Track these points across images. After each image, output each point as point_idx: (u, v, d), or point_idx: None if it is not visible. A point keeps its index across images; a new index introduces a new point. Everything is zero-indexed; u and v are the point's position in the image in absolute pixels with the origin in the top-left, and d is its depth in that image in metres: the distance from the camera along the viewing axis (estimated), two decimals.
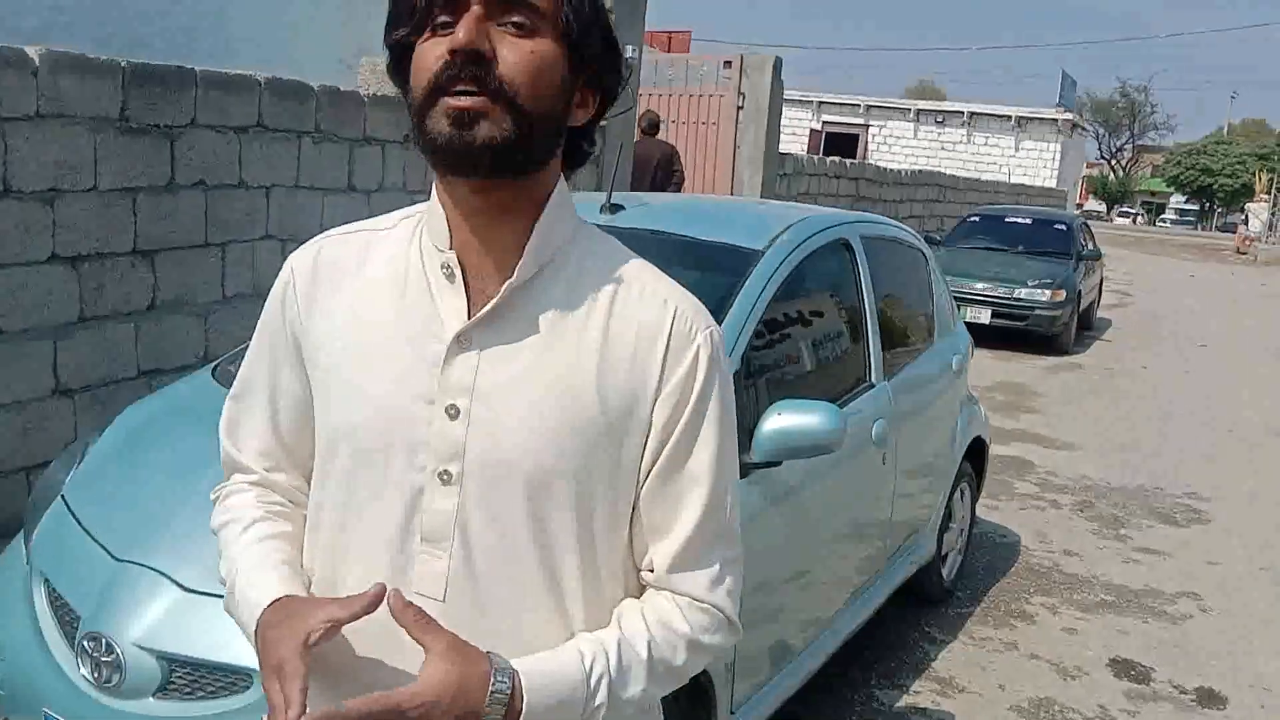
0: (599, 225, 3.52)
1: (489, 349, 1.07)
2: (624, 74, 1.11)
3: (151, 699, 2.14)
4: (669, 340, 1.10)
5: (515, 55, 1.00)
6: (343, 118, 5.12)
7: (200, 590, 2.19)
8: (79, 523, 2.51)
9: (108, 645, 2.17)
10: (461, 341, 1.07)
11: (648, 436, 1.11)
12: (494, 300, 1.07)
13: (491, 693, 0.98)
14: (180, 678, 2.15)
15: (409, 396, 1.08)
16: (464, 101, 0.99)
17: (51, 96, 3.68)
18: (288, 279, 1.19)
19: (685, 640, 1.12)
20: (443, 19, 1.01)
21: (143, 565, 2.28)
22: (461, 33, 0.99)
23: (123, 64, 3.96)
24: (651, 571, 1.15)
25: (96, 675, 2.18)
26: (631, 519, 1.14)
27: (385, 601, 1.00)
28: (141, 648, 2.15)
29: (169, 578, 2.23)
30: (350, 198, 5.27)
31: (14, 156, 3.59)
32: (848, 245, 3.65)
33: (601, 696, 1.05)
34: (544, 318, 1.09)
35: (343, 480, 1.12)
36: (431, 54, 1.01)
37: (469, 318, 1.07)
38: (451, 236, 1.09)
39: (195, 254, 4.44)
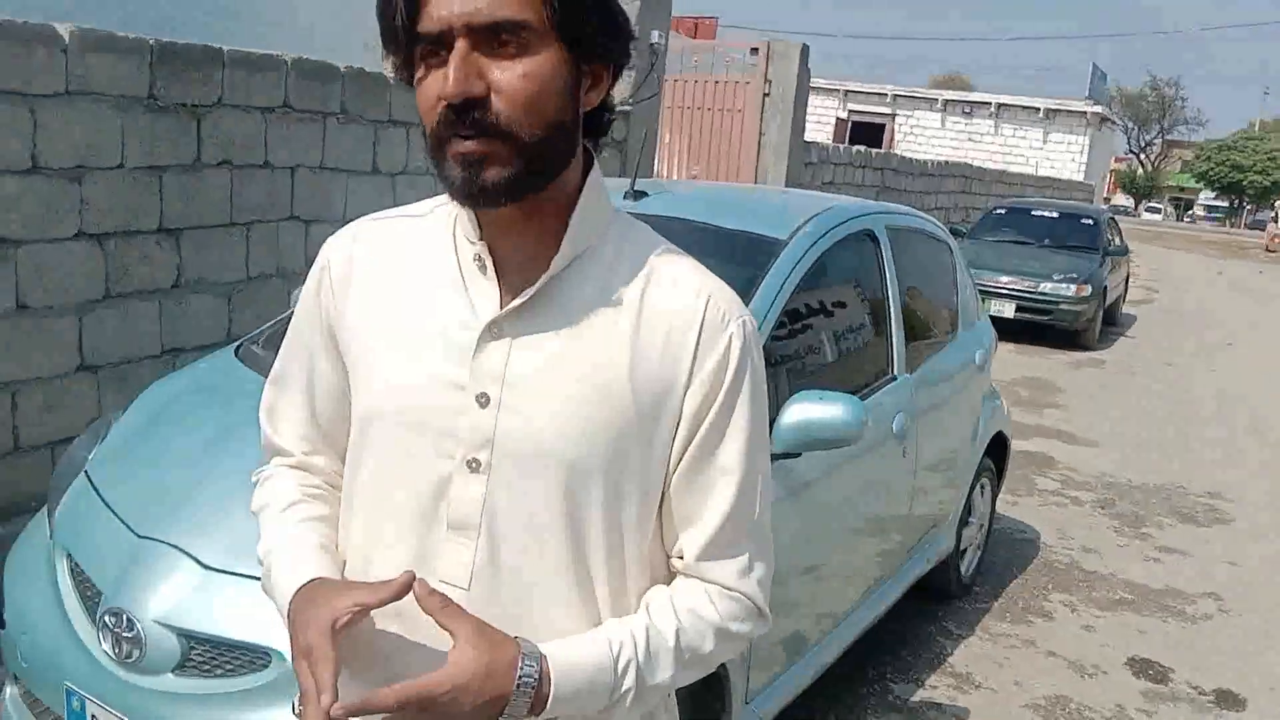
0: (625, 212, 3.51)
1: (521, 338, 1.07)
2: (630, 36, 1.08)
3: (171, 675, 2.16)
4: (701, 329, 1.10)
5: (510, 85, 0.98)
6: (368, 99, 5.12)
7: (220, 568, 2.20)
8: (102, 499, 2.52)
9: (128, 621, 2.18)
10: (493, 330, 1.07)
11: (678, 425, 1.11)
12: (529, 292, 1.06)
13: (520, 677, 0.98)
14: (199, 655, 2.16)
15: (440, 384, 1.08)
16: (467, 146, 0.99)
17: (80, 74, 3.70)
18: (323, 265, 1.20)
19: (714, 628, 1.12)
20: (431, 49, 1.00)
21: (164, 542, 2.29)
22: (451, 81, 0.97)
23: (151, 42, 3.97)
24: (681, 559, 1.15)
25: (117, 650, 2.19)
26: (661, 508, 1.14)
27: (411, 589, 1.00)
28: (161, 624, 2.16)
29: (190, 555, 2.24)
30: (374, 180, 5.27)
31: (42, 134, 3.61)
32: (872, 236, 3.62)
33: (629, 682, 1.05)
34: (576, 307, 1.08)
35: (374, 466, 1.13)
36: (429, 94, 1.00)
37: (501, 307, 1.07)
38: (481, 229, 1.09)
39: (220, 233, 4.46)
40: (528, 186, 1.02)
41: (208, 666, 2.16)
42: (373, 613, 1.03)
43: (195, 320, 4.38)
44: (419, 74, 1.02)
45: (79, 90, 3.71)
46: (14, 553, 2.67)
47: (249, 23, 7.23)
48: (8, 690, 2.56)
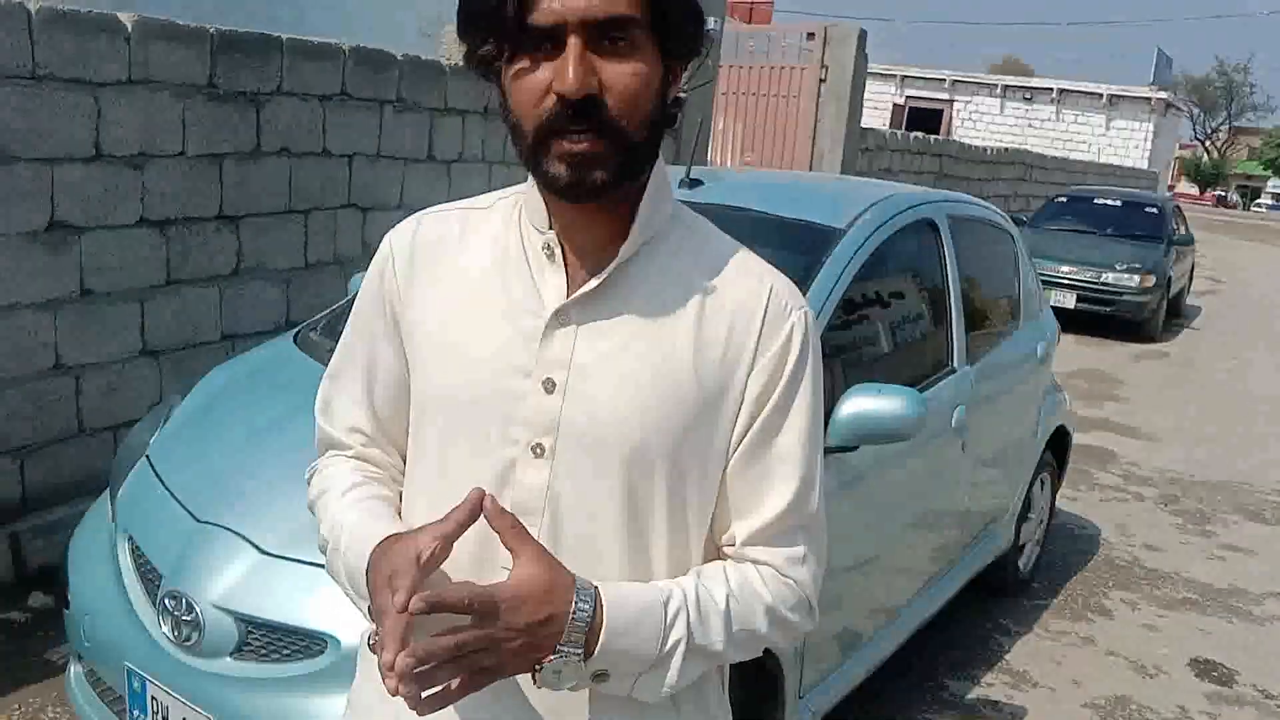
0: (678, 201, 3.48)
1: (587, 325, 1.08)
2: (708, 38, 1.10)
3: (229, 659, 2.18)
4: (765, 317, 1.11)
5: (621, 84, 0.99)
6: (424, 87, 5.14)
7: (278, 554, 2.22)
8: (162, 483, 2.56)
9: (187, 604, 2.21)
10: (560, 318, 1.08)
11: (739, 412, 1.11)
12: (598, 279, 1.08)
13: (576, 602, 0.98)
14: (256, 639, 2.18)
15: (506, 369, 1.09)
16: (579, 145, 1.00)
17: (141, 62, 3.74)
18: (387, 255, 1.20)
19: (765, 606, 1.11)
20: (539, 43, 0.99)
21: (223, 527, 2.32)
22: (571, 78, 0.97)
23: (211, 31, 4.01)
24: (733, 545, 1.14)
25: (176, 633, 2.22)
26: (719, 496, 1.14)
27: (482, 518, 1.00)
28: (220, 608, 2.18)
29: (248, 540, 2.26)
30: (430, 167, 5.29)
31: (105, 121, 3.66)
32: (933, 225, 3.55)
33: (680, 631, 1.04)
34: (641, 296, 1.10)
35: (438, 452, 1.13)
36: (534, 88, 0.99)
37: (568, 295, 1.08)
38: (551, 218, 1.10)
39: (278, 221, 4.50)
40: (625, 183, 1.04)
41: (265, 651, 2.18)
42: (447, 569, 1.02)
43: (254, 306, 4.43)
44: (521, 65, 1.01)
45: (141, 79, 3.75)
46: (78, 535, 2.72)
47: (306, 9, 7.29)
48: (72, 669, 2.61)
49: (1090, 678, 3.82)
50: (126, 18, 3.70)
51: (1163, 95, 31.01)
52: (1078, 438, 6.83)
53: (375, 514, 1.14)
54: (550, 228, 1.10)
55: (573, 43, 0.97)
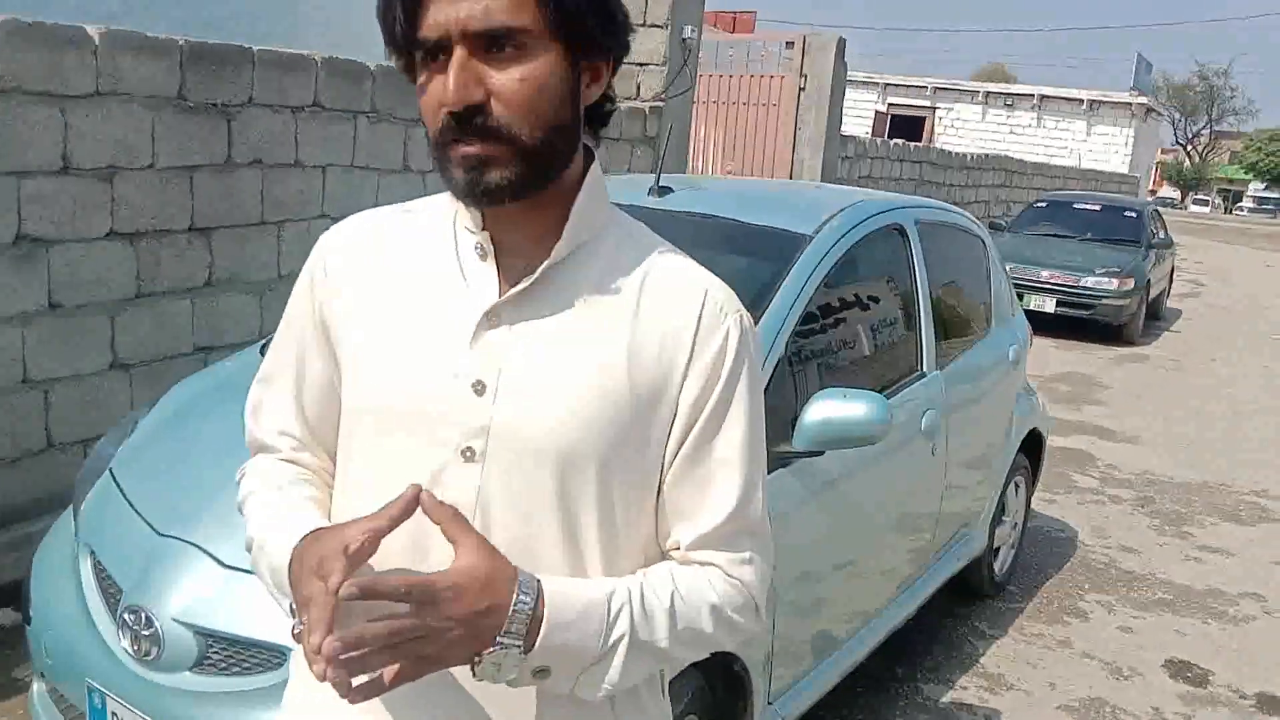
0: (647, 208, 3.46)
1: (518, 325, 1.08)
2: (628, 29, 1.08)
3: (188, 673, 2.16)
4: (699, 321, 1.11)
5: (509, 91, 0.99)
6: (398, 98, 5.13)
7: (239, 567, 2.20)
8: (124, 496, 2.54)
9: (147, 619, 2.19)
10: (491, 318, 1.08)
11: (675, 417, 1.11)
12: (529, 279, 1.07)
13: (518, 594, 0.98)
14: (216, 653, 2.16)
15: (436, 372, 1.08)
16: (471, 149, 1.01)
17: (110, 75, 3.73)
18: (317, 259, 1.20)
19: (710, 606, 1.10)
20: (434, 56, 1.00)
21: (183, 540, 2.30)
22: (451, 88, 0.98)
23: (181, 43, 4.00)
24: (678, 550, 1.14)
25: (136, 648, 2.20)
26: (657, 503, 1.14)
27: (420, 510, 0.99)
28: (179, 622, 2.17)
29: (208, 553, 2.25)
30: (405, 178, 5.29)
31: (73, 134, 3.65)
32: (902, 230, 3.57)
33: (622, 628, 1.03)
34: (576, 297, 1.09)
35: (368, 457, 1.12)
36: (432, 100, 1.01)
37: (500, 296, 1.08)
38: (484, 219, 1.10)
39: (252, 232, 4.49)
40: (531, 186, 1.04)
41: (225, 665, 2.16)
42: (377, 563, 1.01)
43: (227, 318, 4.41)
44: (421, 78, 1.03)
45: (110, 91, 3.74)
46: (42, 549, 2.69)
47: (287, 21, 7.30)
48: (35, 687, 2.59)
49: (1065, 680, 3.82)
50: (94, 30, 3.69)
51: (1143, 100, 31.26)
52: (1056, 441, 6.87)
53: (301, 512, 1.13)
54: (483, 229, 1.09)
55: (456, 54, 0.98)
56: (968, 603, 4.33)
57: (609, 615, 1.03)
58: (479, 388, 1.06)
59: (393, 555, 1.03)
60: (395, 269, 1.14)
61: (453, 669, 1.01)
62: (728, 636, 1.14)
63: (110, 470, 2.68)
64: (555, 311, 1.08)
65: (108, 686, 2.23)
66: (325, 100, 4.72)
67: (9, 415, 3.61)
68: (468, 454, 1.06)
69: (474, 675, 0.99)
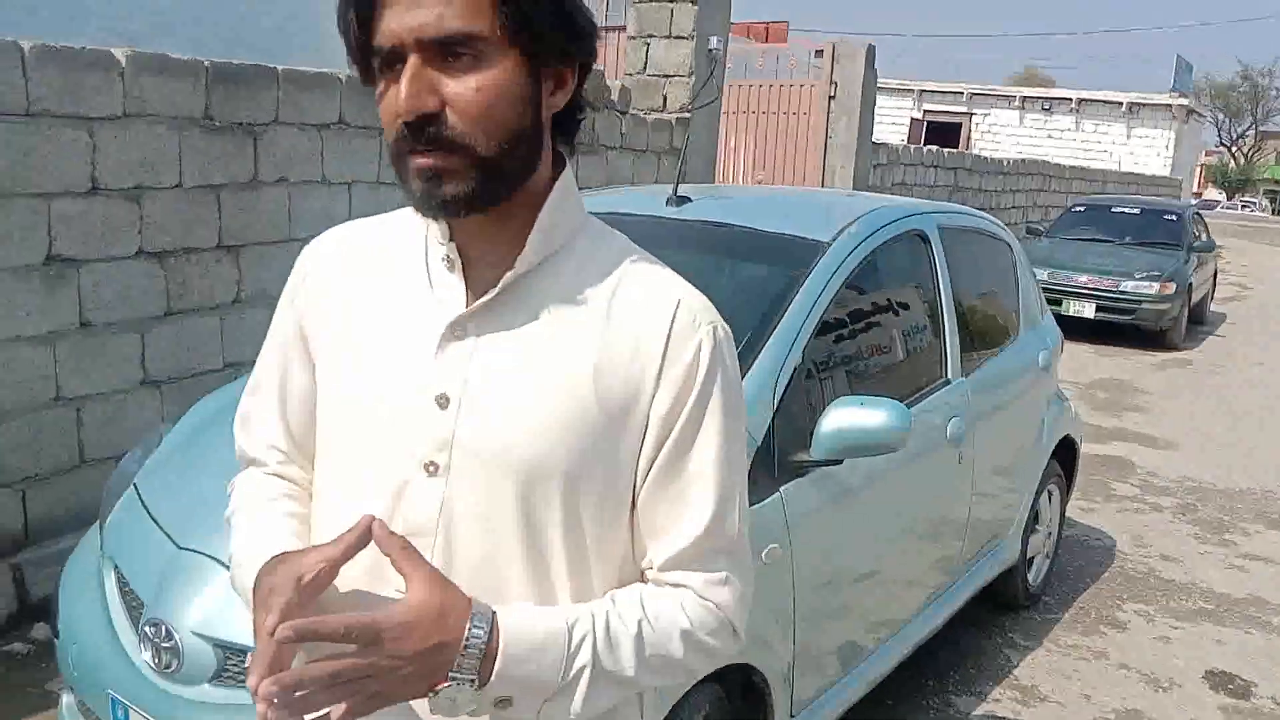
0: (664, 218, 3.44)
1: (484, 337, 1.06)
2: (593, 34, 1.06)
3: (207, 685, 2.18)
4: (670, 333, 1.07)
5: (463, 99, 0.97)
6: None
7: (230, 580, 2.22)
8: (147, 510, 2.57)
9: (167, 631, 2.21)
10: (456, 330, 1.06)
11: (646, 432, 1.07)
12: (494, 290, 1.05)
13: (470, 628, 0.96)
14: (234, 664, 2.18)
15: (401, 385, 1.07)
16: (426, 160, 0.99)
17: (136, 96, 3.79)
18: (298, 272, 1.20)
19: (681, 631, 1.07)
20: (390, 64, 0.99)
21: (202, 553, 2.32)
22: (404, 97, 0.96)
23: (205, 64, 4.06)
24: (651, 569, 1.11)
25: (156, 660, 2.23)
26: (631, 520, 1.11)
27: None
28: (198, 634, 2.19)
29: (226, 566, 2.25)
30: None
31: (101, 155, 3.71)
32: (923, 236, 3.53)
33: (584, 658, 1.01)
34: (544, 309, 1.07)
35: (337, 471, 1.12)
36: (388, 109, 1.00)
37: (466, 307, 1.06)
38: (452, 231, 1.08)
39: (278, 249, 4.53)
40: (488, 198, 1.02)
41: (243, 676, 2.16)
42: (341, 585, 1.01)
43: (255, 334, 4.42)
44: (379, 88, 1.02)
45: (136, 112, 3.80)
46: (70, 564, 2.73)
47: (319, 39, 7.38)
48: (64, 699, 2.62)
49: (1101, 691, 3.75)
50: (120, 52, 3.75)
51: (1184, 102, 30.79)
52: (1095, 448, 6.77)
53: (275, 532, 1.12)
54: (450, 239, 1.08)
55: (410, 62, 0.97)
56: (1001, 613, 4.26)
57: (569, 646, 1.00)
58: (442, 401, 1.05)
59: (353, 579, 1.02)
60: (367, 281, 1.13)
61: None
62: (703, 661, 1.11)
63: (134, 484, 2.71)
64: (521, 323, 1.06)
65: (129, 698, 2.25)
66: (349, 117, 4.77)
67: (41, 433, 3.66)
68: (431, 468, 1.05)
69: (430, 710, 0.97)
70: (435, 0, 0.96)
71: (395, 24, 0.97)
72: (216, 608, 2.22)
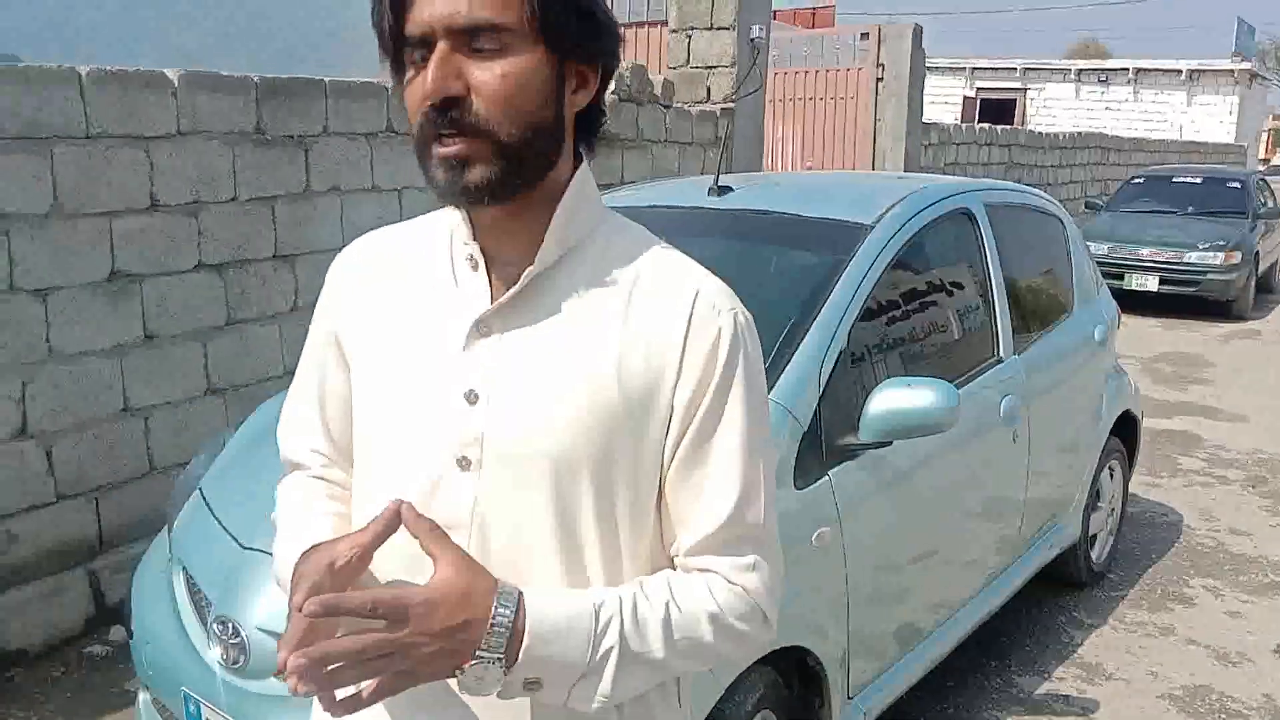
0: (706, 208, 3.46)
1: (509, 333, 1.09)
2: (616, 38, 1.09)
3: (274, 679, 2.24)
4: (690, 321, 1.09)
5: (489, 86, 1.00)
6: None
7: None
8: (212, 513, 2.66)
9: (234, 628, 2.29)
10: (481, 327, 1.09)
11: (670, 420, 1.09)
12: (515, 287, 1.08)
13: (496, 607, 0.98)
14: None
15: (430, 383, 1.10)
16: (450, 149, 1.01)
17: (190, 114, 3.90)
18: (332, 278, 1.25)
19: (710, 615, 1.08)
20: (420, 53, 1.02)
21: (266, 552, 2.38)
22: (430, 80, 1.00)
23: (255, 80, 4.16)
24: (679, 555, 1.13)
25: (225, 657, 2.30)
26: (659, 506, 1.13)
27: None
28: (264, 631, 2.26)
29: None
30: None
31: (158, 172, 3.82)
32: (969, 215, 3.50)
33: (611, 639, 1.02)
34: (565, 303, 1.09)
35: (375, 469, 1.15)
36: (414, 96, 1.03)
37: (490, 305, 1.09)
38: (474, 229, 1.11)
39: (332, 257, 4.60)
40: (511, 187, 1.04)
41: None
42: (380, 574, 1.05)
43: None
44: (407, 76, 1.05)
45: (190, 130, 3.91)
46: (141, 568, 2.83)
47: (355, 44, 7.51)
48: (140, 697, 2.72)
49: (1168, 668, 3.69)
50: (173, 73, 3.86)
51: (1246, 66, 29.92)
52: (1161, 422, 6.65)
53: (315, 529, 1.16)
54: (474, 239, 1.11)
55: (438, 48, 1.00)
56: (1064, 592, 4.22)
57: (596, 627, 1.02)
58: (471, 397, 1.07)
59: (392, 571, 1.06)
60: (396, 284, 1.16)
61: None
62: (734, 646, 1.12)
63: (200, 489, 2.80)
64: (544, 318, 1.09)
65: (201, 694, 2.33)
66: (397, 125, 4.85)
67: (112, 443, 3.79)
68: (463, 463, 1.07)
69: (459, 688, 1.00)
70: None
71: (426, 13, 1.00)
72: (281, 604, 2.28)
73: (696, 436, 1.09)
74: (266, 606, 2.29)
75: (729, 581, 1.10)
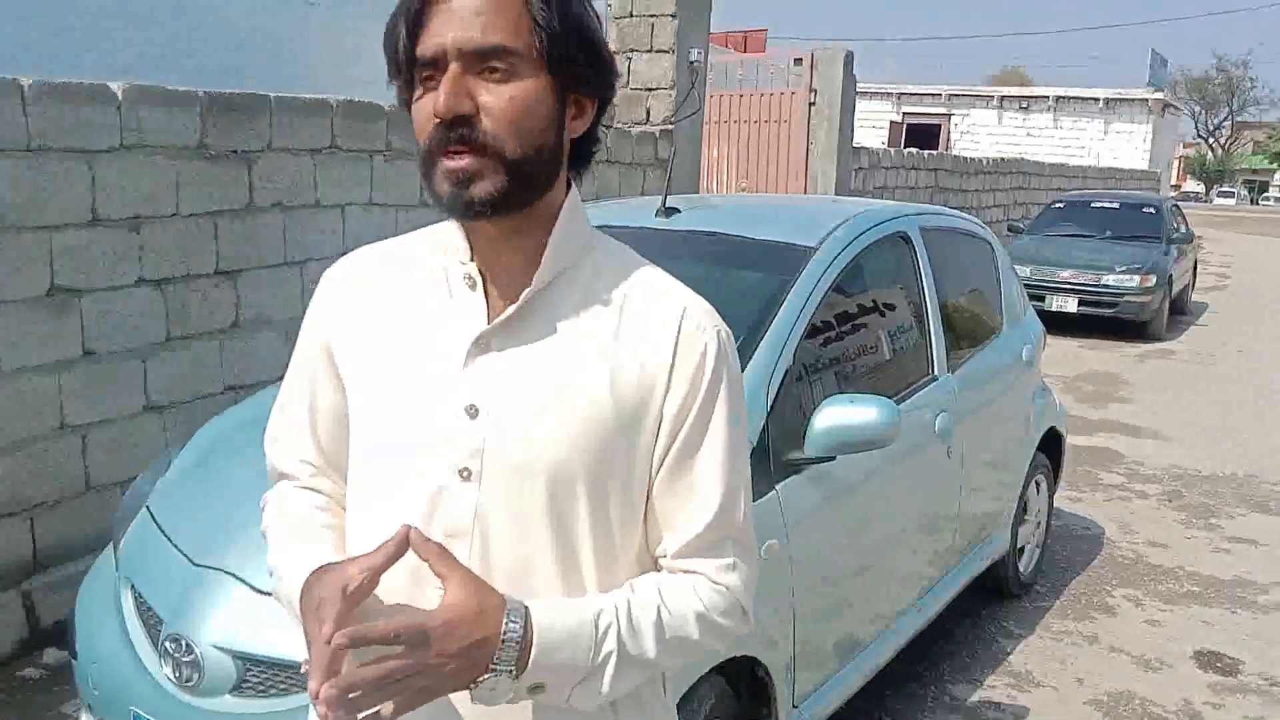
0: (655, 229, 3.53)
1: (507, 350, 1.14)
2: (613, 73, 1.16)
3: (228, 696, 2.25)
4: (678, 336, 1.16)
5: (498, 106, 1.06)
6: (412, 135, 5.23)
7: (272, 591, 2.30)
8: (161, 530, 2.64)
9: (187, 646, 2.28)
10: (481, 345, 1.14)
11: (659, 429, 1.16)
12: (514, 306, 1.14)
13: (507, 623, 1.04)
14: (254, 675, 2.25)
15: (431, 397, 1.14)
16: (457, 163, 1.07)
17: (134, 128, 3.87)
18: (322, 292, 1.28)
19: (696, 614, 1.16)
20: (428, 73, 1.08)
21: (218, 569, 2.40)
22: (442, 98, 1.05)
23: (200, 94, 4.14)
24: (665, 557, 1.20)
25: (178, 675, 2.30)
26: (646, 511, 1.20)
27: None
28: (218, 648, 2.26)
29: (242, 580, 2.34)
30: (425, 212, 5.40)
31: (100, 187, 3.78)
32: (906, 238, 3.63)
33: (610, 644, 1.09)
34: (560, 321, 1.16)
35: (373, 481, 1.19)
36: (423, 114, 1.09)
37: (489, 323, 1.15)
38: (471, 249, 1.17)
39: (276, 273, 4.61)
40: (514, 202, 1.10)
41: (263, 687, 2.25)
42: (380, 595, 1.08)
43: (255, 357, 4.53)
44: (416, 95, 1.11)
45: (134, 144, 3.88)
46: (85, 586, 2.80)
47: (306, 66, 7.47)
48: (83, 718, 2.69)
49: (1094, 675, 3.84)
50: (117, 86, 3.83)
51: (1159, 96, 31.08)
52: (1082, 439, 6.88)
53: (314, 543, 1.20)
54: (471, 259, 1.17)
55: (450, 69, 1.06)
56: (994, 602, 4.36)
57: (596, 634, 1.09)
58: (472, 411, 1.13)
59: (393, 587, 1.10)
60: (392, 300, 1.21)
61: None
62: (716, 640, 1.20)
63: (147, 507, 2.78)
64: (540, 336, 1.14)
65: (152, 714, 2.32)
66: (342, 141, 4.85)
67: (48, 460, 3.73)
68: (464, 474, 1.13)
69: (471, 700, 1.06)
70: (477, 17, 1.06)
71: (440, 35, 1.06)
72: (235, 621, 2.30)
73: (684, 445, 1.17)
74: (220, 623, 2.29)
75: (713, 582, 1.18)
